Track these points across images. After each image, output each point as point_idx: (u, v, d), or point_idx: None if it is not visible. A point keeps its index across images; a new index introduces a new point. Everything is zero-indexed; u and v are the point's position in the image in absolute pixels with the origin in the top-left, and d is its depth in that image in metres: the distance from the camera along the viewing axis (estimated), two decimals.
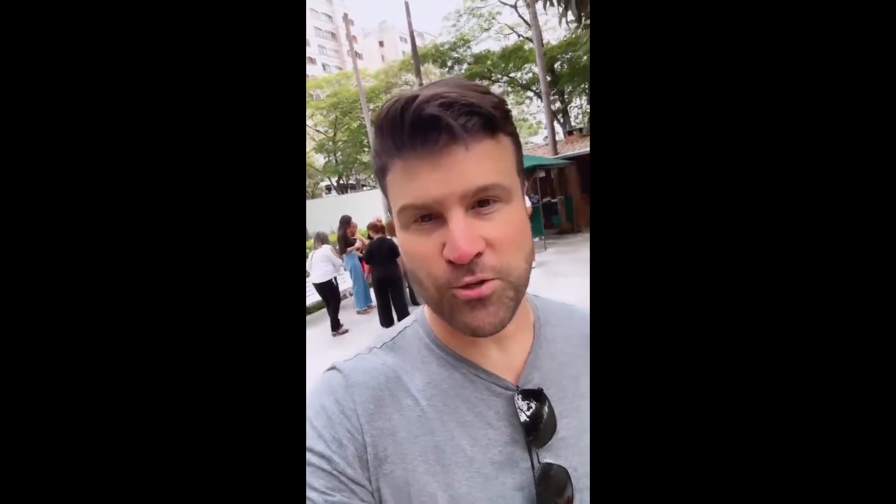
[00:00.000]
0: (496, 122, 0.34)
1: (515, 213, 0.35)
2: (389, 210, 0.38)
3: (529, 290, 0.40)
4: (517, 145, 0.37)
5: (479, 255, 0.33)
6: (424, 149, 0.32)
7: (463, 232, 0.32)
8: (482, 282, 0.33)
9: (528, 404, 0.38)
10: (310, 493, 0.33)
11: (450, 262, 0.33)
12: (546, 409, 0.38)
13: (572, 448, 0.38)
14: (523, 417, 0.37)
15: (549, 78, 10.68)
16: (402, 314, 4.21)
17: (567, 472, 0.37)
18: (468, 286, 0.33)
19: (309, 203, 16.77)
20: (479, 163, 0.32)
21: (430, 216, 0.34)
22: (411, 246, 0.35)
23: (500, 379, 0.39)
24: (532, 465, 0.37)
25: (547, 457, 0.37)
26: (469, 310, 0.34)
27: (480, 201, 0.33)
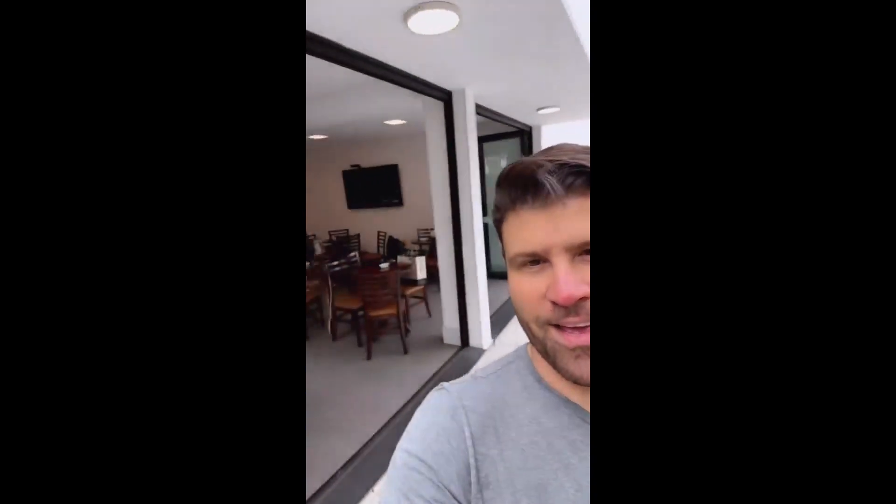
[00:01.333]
0: None
1: None
2: (504, 256, 0.41)
3: None
4: None
5: (584, 299, 0.33)
6: (535, 202, 0.35)
7: (567, 275, 0.33)
8: (587, 325, 0.34)
9: None
10: (417, 500, 0.35)
11: (554, 304, 0.34)
12: None
13: None
14: None
15: None
16: None
17: None
18: (574, 330, 0.34)
19: None
20: (585, 218, 0.34)
21: (538, 261, 0.35)
22: (519, 286, 0.37)
23: None
24: None
25: None
26: (573, 358, 0.35)
27: (586, 251, 0.34)
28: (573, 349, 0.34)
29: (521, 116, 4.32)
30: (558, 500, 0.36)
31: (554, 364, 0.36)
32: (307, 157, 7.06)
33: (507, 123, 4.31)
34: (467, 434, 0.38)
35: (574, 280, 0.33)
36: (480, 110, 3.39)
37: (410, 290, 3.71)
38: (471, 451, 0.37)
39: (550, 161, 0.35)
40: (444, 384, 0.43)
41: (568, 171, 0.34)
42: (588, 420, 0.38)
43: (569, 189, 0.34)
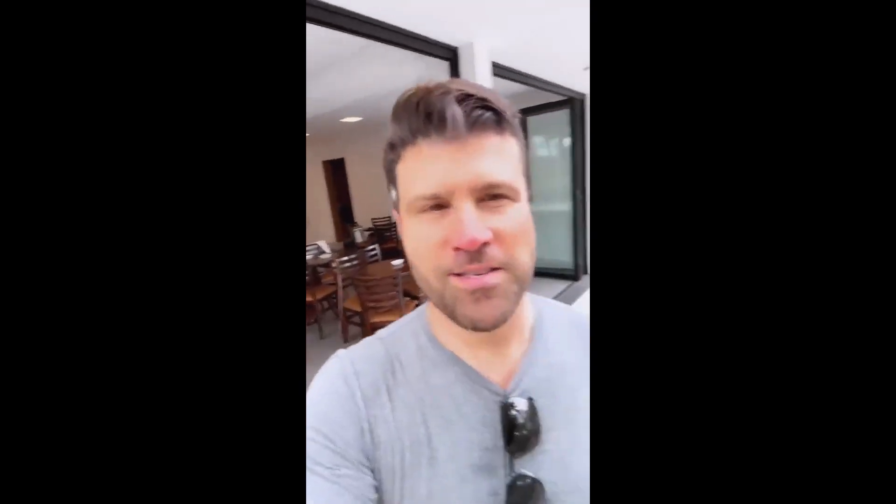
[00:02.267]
0: (507, 122, 0.35)
1: (522, 211, 0.36)
2: (395, 206, 0.39)
3: None
4: (524, 151, 0.39)
5: (486, 244, 0.33)
6: (439, 137, 0.33)
7: (472, 219, 0.33)
8: (488, 271, 0.34)
9: (512, 412, 0.38)
10: (317, 468, 0.36)
11: (456, 250, 0.33)
12: (530, 418, 0.38)
13: (557, 462, 0.38)
14: (506, 425, 0.38)
15: None
16: None
17: (541, 485, 0.37)
18: (474, 274, 0.33)
19: None
20: (489, 157, 0.34)
21: (438, 206, 0.34)
22: (419, 232, 0.35)
23: (489, 383, 0.40)
24: (507, 473, 0.38)
25: (528, 468, 0.38)
26: (472, 301, 0.34)
27: (489, 196, 0.34)
28: (473, 292, 0.34)
29: (565, 79, 3.49)
30: (438, 454, 0.37)
31: (453, 314, 0.35)
32: (340, 143, 6.93)
33: (547, 89, 3.53)
34: (359, 397, 0.39)
35: (479, 224, 0.33)
36: (502, 72, 2.71)
37: None
38: (363, 413, 0.38)
39: (456, 89, 0.33)
40: (340, 351, 0.44)
41: (474, 104, 0.33)
42: (473, 378, 0.39)
43: (475, 124, 0.33)
